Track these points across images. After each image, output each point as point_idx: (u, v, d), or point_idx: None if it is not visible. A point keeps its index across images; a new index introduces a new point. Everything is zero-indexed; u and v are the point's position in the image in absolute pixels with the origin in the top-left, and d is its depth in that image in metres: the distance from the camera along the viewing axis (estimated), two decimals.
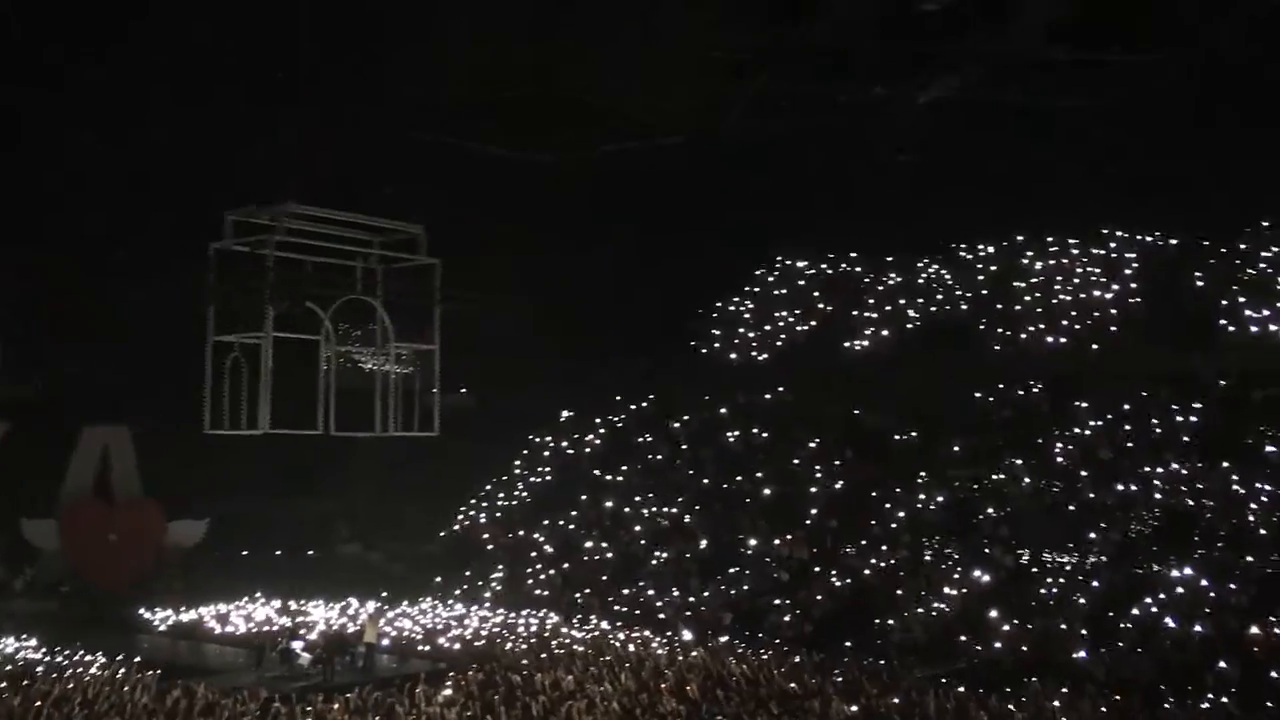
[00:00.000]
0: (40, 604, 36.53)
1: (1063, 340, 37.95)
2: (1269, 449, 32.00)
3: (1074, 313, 38.36)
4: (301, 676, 26.17)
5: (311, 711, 21.59)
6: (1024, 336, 38.72)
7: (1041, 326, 38.54)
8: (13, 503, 38.20)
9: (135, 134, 33.36)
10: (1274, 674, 23.73)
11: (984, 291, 41.22)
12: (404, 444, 32.36)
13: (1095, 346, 37.26)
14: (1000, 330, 39.31)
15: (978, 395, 38.18)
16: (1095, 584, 29.15)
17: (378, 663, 27.85)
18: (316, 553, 43.26)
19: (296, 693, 23.63)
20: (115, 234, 35.45)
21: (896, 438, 37.96)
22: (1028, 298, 39.93)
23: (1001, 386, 38.10)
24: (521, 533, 40.19)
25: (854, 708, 21.58)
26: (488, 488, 43.32)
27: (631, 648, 28.79)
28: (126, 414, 40.17)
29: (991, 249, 42.38)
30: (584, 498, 40.84)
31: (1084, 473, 33.51)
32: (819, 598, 32.27)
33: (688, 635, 30.86)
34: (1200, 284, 37.40)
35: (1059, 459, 34.55)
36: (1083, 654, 26.19)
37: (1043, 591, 29.32)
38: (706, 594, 33.80)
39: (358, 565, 42.30)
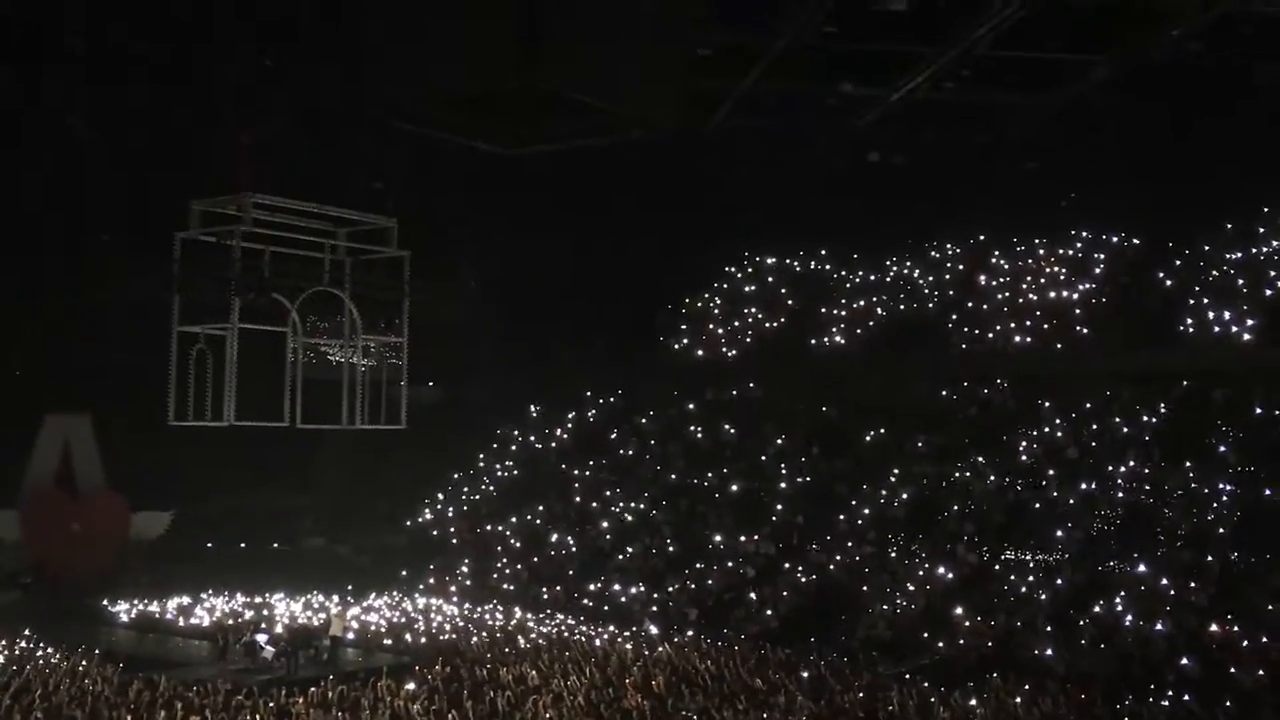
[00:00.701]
0: (1, 595, 36.17)
1: (1028, 339, 38.20)
2: (1229, 449, 32.35)
3: (1039, 311, 38.62)
4: (265, 670, 26.02)
5: (275, 705, 21.45)
6: (990, 335, 38.95)
7: (1008, 325, 38.78)
8: None
9: (102, 122, 33.09)
10: (1233, 671, 23.98)
11: (950, 290, 41.45)
12: (371, 436, 32.26)
13: (1059, 345, 37.52)
14: (966, 328, 39.53)
15: (943, 393, 38.42)
16: (1058, 581, 29.38)
17: (342, 656, 27.73)
18: (282, 545, 43.05)
19: (260, 686, 23.48)
20: (80, 222, 35.15)
21: (863, 434, 38.13)
22: (994, 296, 40.17)
23: (967, 384, 38.36)
24: (488, 527, 40.12)
25: (819, 703, 21.65)
26: (454, 481, 43.21)
27: (598, 643, 28.82)
28: (89, 403, 39.81)
29: (958, 247, 42.62)
30: (551, 492, 40.82)
31: (1048, 470, 33.77)
32: (785, 594, 32.39)
33: (654, 630, 30.91)
34: (1164, 284, 37.74)
35: (1023, 457, 34.82)
36: (1045, 650, 26.37)
37: (1006, 588, 29.52)
38: (672, 589, 33.85)
39: (323, 558, 42.15)
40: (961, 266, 42.03)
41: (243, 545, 42.02)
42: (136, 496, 40.27)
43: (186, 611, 33.75)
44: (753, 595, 32.67)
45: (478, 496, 42.45)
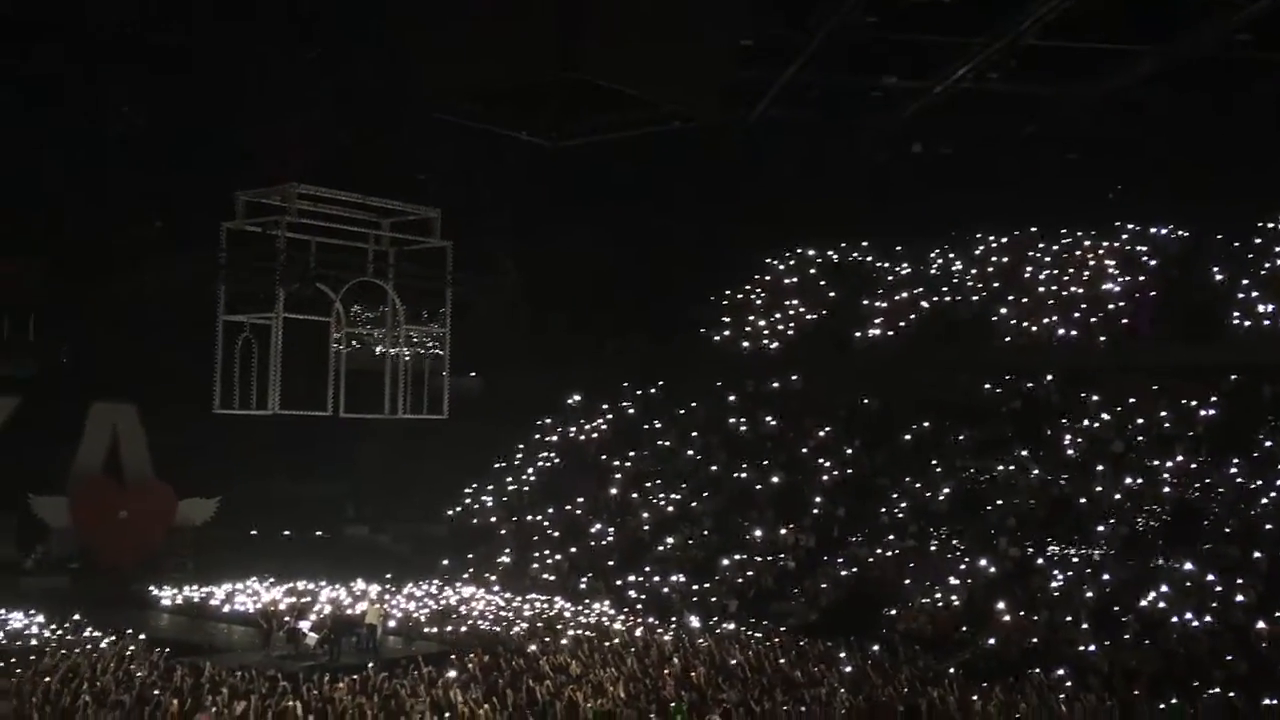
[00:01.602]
0: (50, 580, 36.67)
1: (1073, 332, 37.85)
2: (1278, 444, 31.94)
3: (1085, 304, 38.25)
4: (308, 656, 26.25)
5: (318, 691, 21.63)
6: (1034, 328, 38.62)
7: (1053, 318, 38.44)
8: (23, 480, 38.34)
9: (150, 113, 33.42)
10: None
11: (995, 282, 41.12)
12: (413, 426, 32.40)
13: (1105, 338, 37.14)
14: (1011, 321, 39.21)
15: (987, 386, 38.12)
16: (1103, 576, 29.11)
17: (384, 644, 27.92)
18: (324, 533, 43.38)
19: (303, 672, 23.70)
20: (129, 212, 35.53)
21: (905, 427, 37.92)
22: (1039, 289, 39.82)
23: (1010, 377, 38.04)
24: (528, 517, 40.25)
25: (859, 696, 21.58)
26: (495, 471, 43.37)
27: (637, 633, 28.84)
28: (136, 392, 40.28)
29: (1004, 239, 42.25)
30: (591, 483, 40.89)
31: (1093, 465, 33.45)
32: (825, 586, 32.28)
33: (694, 622, 30.90)
34: (1213, 277, 37.29)
35: (1068, 451, 34.51)
36: (1089, 646, 26.14)
37: (1049, 583, 29.29)
38: (712, 581, 33.82)
39: (365, 546, 42.41)
40: (1006, 259, 41.67)
41: (286, 533, 42.37)
42: (182, 484, 40.70)
43: (231, 598, 34.10)
44: (793, 588, 32.59)
45: (518, 486, 42.59)
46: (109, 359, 38.62)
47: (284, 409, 27.52)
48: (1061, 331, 38.04)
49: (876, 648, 27.21)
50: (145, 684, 21.74)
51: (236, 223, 27.30)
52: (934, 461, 35.81)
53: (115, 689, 21.08)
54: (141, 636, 27.10)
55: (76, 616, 29.27)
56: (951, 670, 25.02)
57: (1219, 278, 37.18)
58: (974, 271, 41.99)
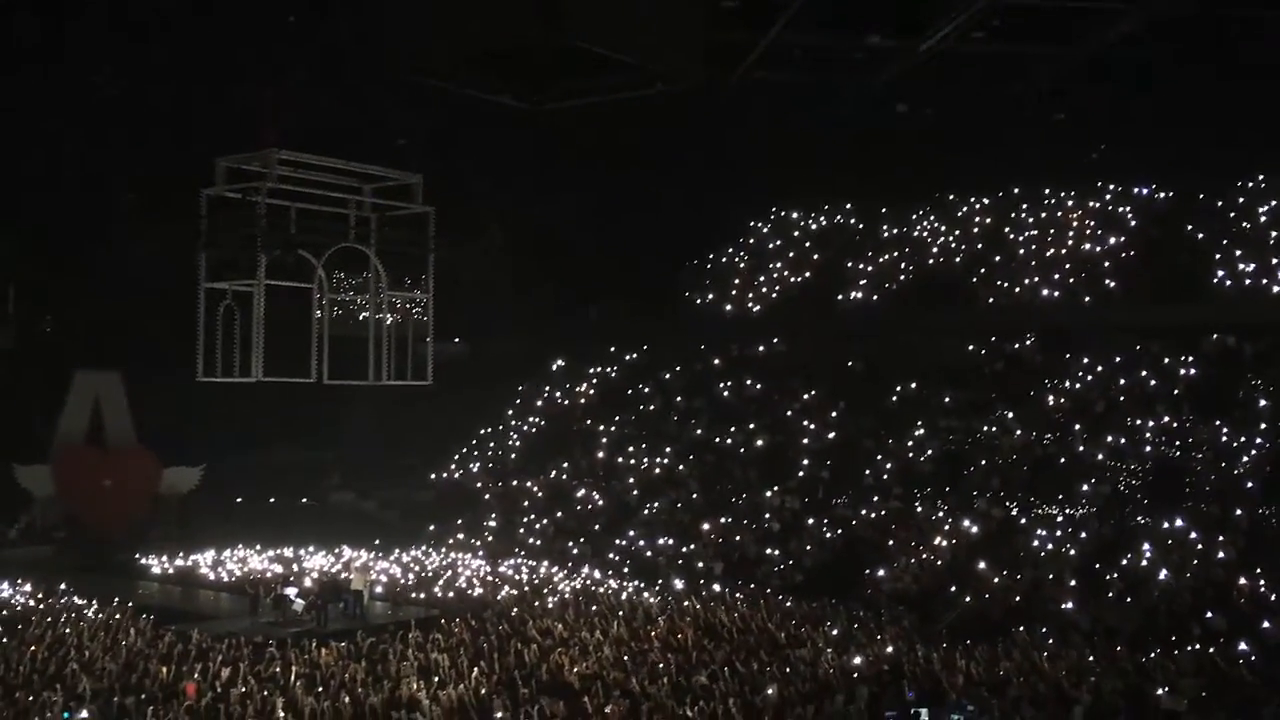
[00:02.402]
0: (35, 549, 36.65)
1: (1056, 293, 37.96)
2: (1260, 403, 32.14)
3: (1068, 265, 38.34)
4: (295, 622, 26.29)
5: (306, 657, 21.70)
6: (1017, 289, 38.71)
7: (1035, 279, 38.53)
8: (6, 448, 38.22)
9: (130, 78, 33.09)
10: (1262, 625, 23.92)
11: (977, 244, 41.16)
12: (397, 392, 32.37)
13: (1088, 299, 37.26)
14: (994, 282, 39.28)
15: (970, 347, 38.25)
16: (1084, 535, 29.33)
17: (371, 609, 27.99)
18: (310, 500, 43.39)
19: (290, 638, 23.76)
20: (109, 180, 35.26)
21: (889, 389, 38.04)
22: (1021, 250, 39.87)
23: (994, 339, 38.17)
24: (514, 482, 40.32)
25: (844, 657, 21.73)
26: (480, 436, 43.40)
27: (623, 596, 28.97)
28: (119, 360, 40.13)
29: (986, 201, 42.26)
30: (576, 448, 40.96)
31: (1075, 425, 33.63)
32: (810, 548, 32.45)
33: (679, 584, 31.05)
34: (1195, 236, 37.40)
35: (1050, 411, 34.67)
36: (1071, 604, 26.37)
37: (1032, 543, 29.49)
38: (698, 544, 33.96)
39: (351, 513, 42.46)
40: (989, 220, 41.71)
41: (271, 500, 42.37)
42: (166, 452, 40.62)
43: (217, 565, 34.13)
44: (778, 550, 32.75)
45: (503, 452, 42.63)
46: (91, 327, 38.45)
47: (267, 376, 27.44)
48: (1045, 292, 38.13)
49: (862, 608, 27.39)
50: (133, 651, 21.77)
51: (216, 189, 27.10)
52: (918, 423, 35.94)
53: (103, 657, 21.11)
54: (128, 604, 27.08)
55: (62, 585, 29.25)
56: (936, 629, 25.20)
57: (1200, 237, 37.28)
58: (957, 233, 42.01)
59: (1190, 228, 37.69)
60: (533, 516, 38.13)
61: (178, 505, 40.68)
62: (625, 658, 21.61)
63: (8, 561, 33.94)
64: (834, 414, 38.10)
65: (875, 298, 41.39)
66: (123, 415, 41.18)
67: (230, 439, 39.36)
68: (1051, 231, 39.84)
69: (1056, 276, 38.25)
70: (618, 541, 35.32)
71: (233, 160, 27.14)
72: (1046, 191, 40.89)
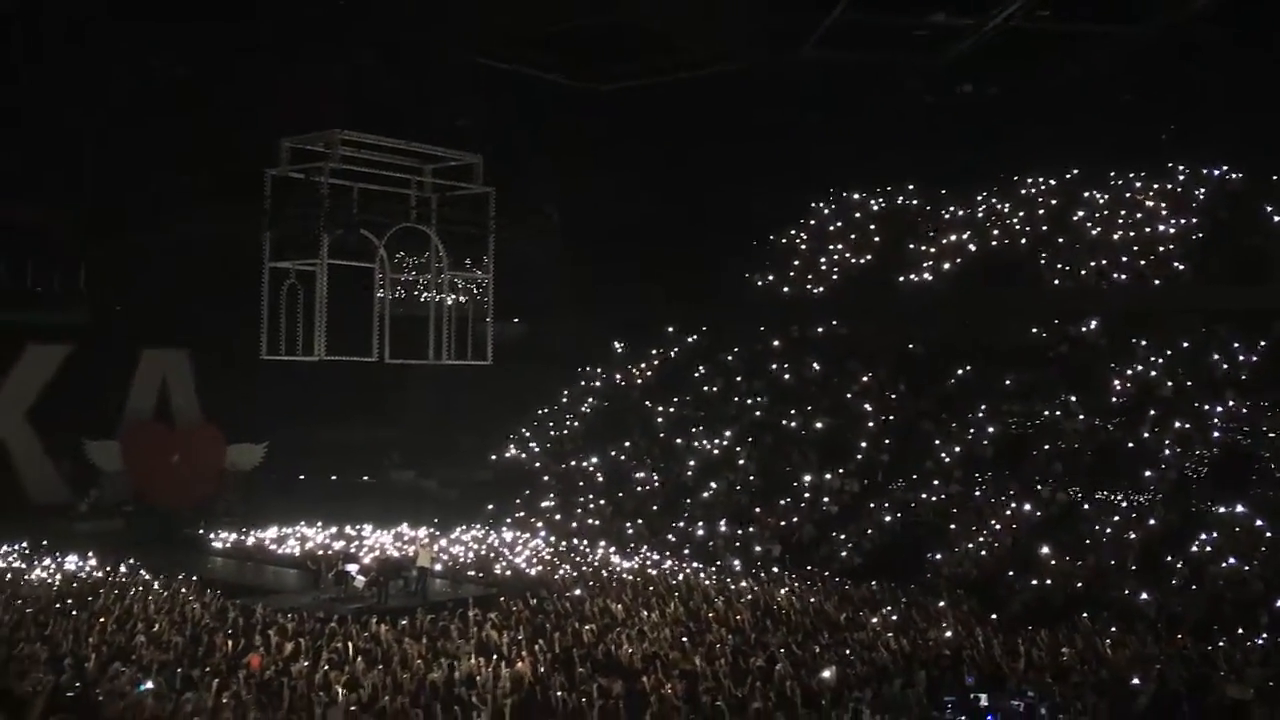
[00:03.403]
0: (104, 523, 37.32)
1: (1123, 275, 37.34)
2: None
3: (1135, 247, 37.69)
4: (356, 599, 26.61)
5: (367, 633, 21.94)
6: (1083, 271, 38.12)
7: (1102, 261, 37.92)
8: (76, 425, 38.96)
9: (196, 59, 33.49)
10: None
11: (1043, 225, 40.59)
12: (457, 372, 32.57)
13: (1156, 281, 36.62)
14: (1058, 264, 38.73)
15: (1033, 330, 37.75)
16: (1150, 521, 28.91)
17: (431, 587, 28.25)
18: (370, 478, 43.83)
19: (351, 614, 24.04)
20: (176, 160, 35.72)
21: (950, 372, 37.67)
22: (1088, 232, 39.25)
23: (1057, 321, 37.64)
24: (573, 462, 40.45)
25: (904, 640, 21.61)
26: (539, 416, 43.57)
27: (681, 577, 29.00)
28: (186, 339, 40.72)
29: (1052, 181, 41.64)
30: (635, 429, 41.00)
31: (1141, 409, 33.11)
32: (869, 531, 32.29)
33: (737, 566, 31.01)
34: (1267, 218, 36.58)
35: (1116, 395, 34.16)
36: (1135, 591, 26.02)
37: (1096, 528, 29.12)
38: (756, 526, 33.91)
39: (410, 491, 42.81)
40: (1054, 201, 41.10)
41: (333, 477, 42.85)
42: (231, 429, 41.22)
43: (280, 541, 34.60)
44: (837, 533, 32.61)
45: (562, 432, 42.78)
46: (159, 306, 39.01)
47: (330, 355, 27.72)
48: (1112, 275, 37.54)
49: (921, 592, 27.21)
50: (199, 625, 22.13)
51: (281, 169, 27.39)
52: (979, 406, 35.58)
53: (169, 630, 21.48)
54: (194, 578, 27.54)
55: (130, 559, 29.79)
56: (996, 615, 24.98)
57: (1275, 219, 36.48)
58: (1021, 214, 41.44)
59: (1262, 209, 36.86)
60: (591, 497, 38.24)
61: (242, 481, 41.28)
62: (683, 638, 21.64)
63: (78, 535, 34.61)
64: (894, 397, 37.81)
65: (936, 279, 40.97)
66: (189, 393, 41.85)
67: (293, 417, 39.80)
68: (1120, 212, 39.16)
69: (1124, 258, 37.61)
70: (676, 523, 35.34)
71: (296, 141, 27.42)
72: (1113, 172, 40.18)
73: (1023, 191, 41.93)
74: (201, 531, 36.25)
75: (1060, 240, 39.38)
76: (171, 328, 39.92)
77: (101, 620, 21.99)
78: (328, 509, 37.51)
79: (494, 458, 42.58)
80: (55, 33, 32.10)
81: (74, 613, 22.86)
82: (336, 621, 22.71)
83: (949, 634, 22.21)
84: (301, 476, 42.40)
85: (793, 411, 38.60)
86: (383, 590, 26.87)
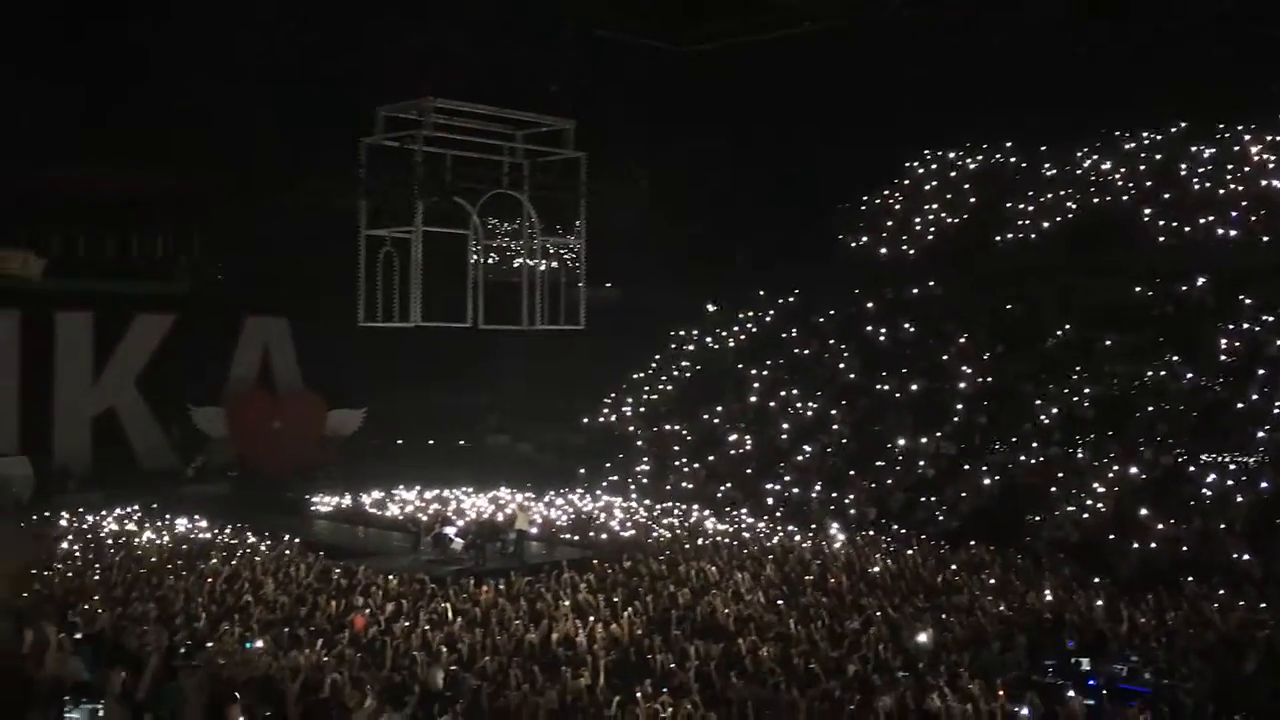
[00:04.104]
0: (211, 487, 38.34)
1: (1231, 232, 36.22)
2: None
3: (1244, 203, 36.51)
4: (455, 561, 26.99)
5: (465, 595, 22.26)
6: (1188, 228, 37.06)
7: (1209, 218, 36.81)
8: (183, 391, 40.02)
9: (291, 28, 33.89)
10: None
11: (1147, 181, 39.51)
12: (551, 336, 32.77)
13: (1265, 239, 35.46)
14: (1162, 222, 37.69)
15: (1137, 289, 36.83)
16: (1262, 485, 28.11)
17: (527, 549, 28.56)
18: (467, 442, 44.37)
19: (450, 576, 24.40)
20: (274, 130, 36.29)
21: (1050, 333, 36.96)
22: (1194, 187, 38.12)
23: (1161, 280, 36.67)
24: (666, 426, 40.53)
25: (1003, 604, 21.35)
26: (632, 380, 43.70)
27: (775, 540, 28.96)
28: (286, 306, 41.52)
29: (1157, 136, 40.47)
30: (728, 392, 40.94)
31: (1249, 369, 32.17)
32: (966, 494, 31.90)
33: (832, 529, 30.89)
34: None
35: (1222, 355, 33.23)
36: (1242, 554, 25.37)
37: (1202, 491, 28.42)
38: (851, 489, 33.69)
39: (506, 455, 43.28)
40: (1158, 156, 39.97)
41: (430, 442, 43.46)
42: (331, 395, 41.99)
43: (379, 504, 35.22)
44: (933, 496, 32.27)
45: (655, 396, 42.87)
46: (260, 275, 39.81)
47: (425, 321, 28.05)
48: (1219, 231, 36.45)
49: (1021, 556, 26.83)
50: (303, 586, 22.64)
51: (375, 138, 27.68)
52: (1079, 367, 34.86)
53: (275, 590, 22.00)
54: (298, 541, 28.15)
55: (236, 522, 30.56)
56: (1097, 579, 24.54)
57: None
58: (1124, 170, 40.39)
59: None
60: (684, 460, 38.31)
61: (342, 446, 42.07)
62: (778, 601, 21.63)
63: (186, 499, 35.58)
64: (991, 358, 37.22)
65: (1035, 238, 40.15)
66: (290, 360, 42.76)
67: (390, 382, 40.41)
68: (1227, 167, 37.96)
69: (1233, 214, 36.48)
70: (769, 486, 35.27)
71: (391, 109, 27.68)
72: (1221, 126, 38.93)
73: (1126, 147, 40.85)
74: (304, 495, 37.08)
75: (1166, 197, 38.33)
76: (272, 296, 40.73)
77: (210, 581, 22.59)
78: (425, 473, 38.07)
79: (587, 421, 42.83)
80: (154, 10, 32.72)
81: (184, 574, 23.53)
82: (436, 583, 23.06)
83: (1049, 598, 21.89)
84: (399, 441, 43.08)
85: (887, 374, 38.19)
86: (480, 552, 27.23)
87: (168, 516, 31.54)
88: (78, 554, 26.09)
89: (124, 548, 26.92)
